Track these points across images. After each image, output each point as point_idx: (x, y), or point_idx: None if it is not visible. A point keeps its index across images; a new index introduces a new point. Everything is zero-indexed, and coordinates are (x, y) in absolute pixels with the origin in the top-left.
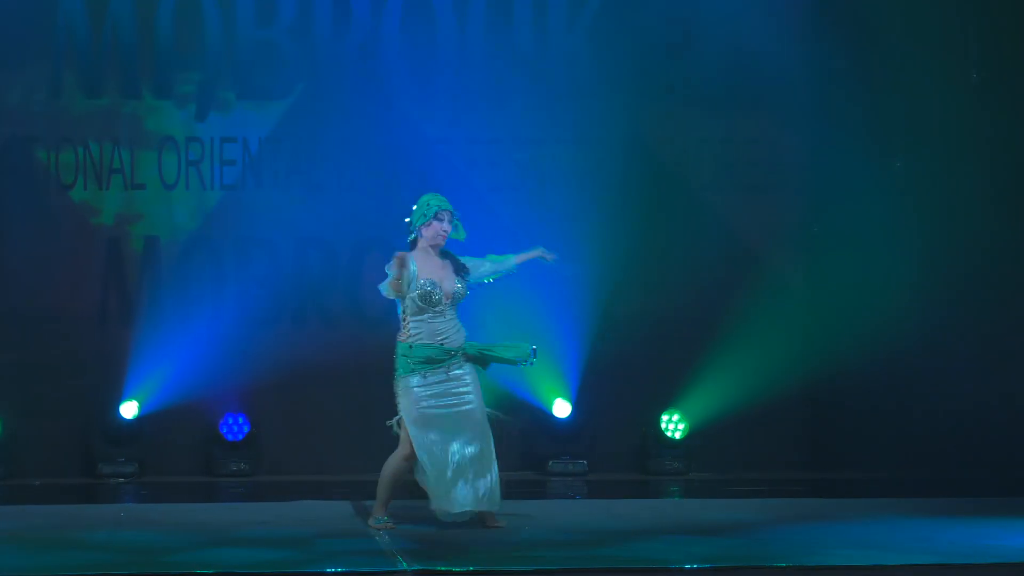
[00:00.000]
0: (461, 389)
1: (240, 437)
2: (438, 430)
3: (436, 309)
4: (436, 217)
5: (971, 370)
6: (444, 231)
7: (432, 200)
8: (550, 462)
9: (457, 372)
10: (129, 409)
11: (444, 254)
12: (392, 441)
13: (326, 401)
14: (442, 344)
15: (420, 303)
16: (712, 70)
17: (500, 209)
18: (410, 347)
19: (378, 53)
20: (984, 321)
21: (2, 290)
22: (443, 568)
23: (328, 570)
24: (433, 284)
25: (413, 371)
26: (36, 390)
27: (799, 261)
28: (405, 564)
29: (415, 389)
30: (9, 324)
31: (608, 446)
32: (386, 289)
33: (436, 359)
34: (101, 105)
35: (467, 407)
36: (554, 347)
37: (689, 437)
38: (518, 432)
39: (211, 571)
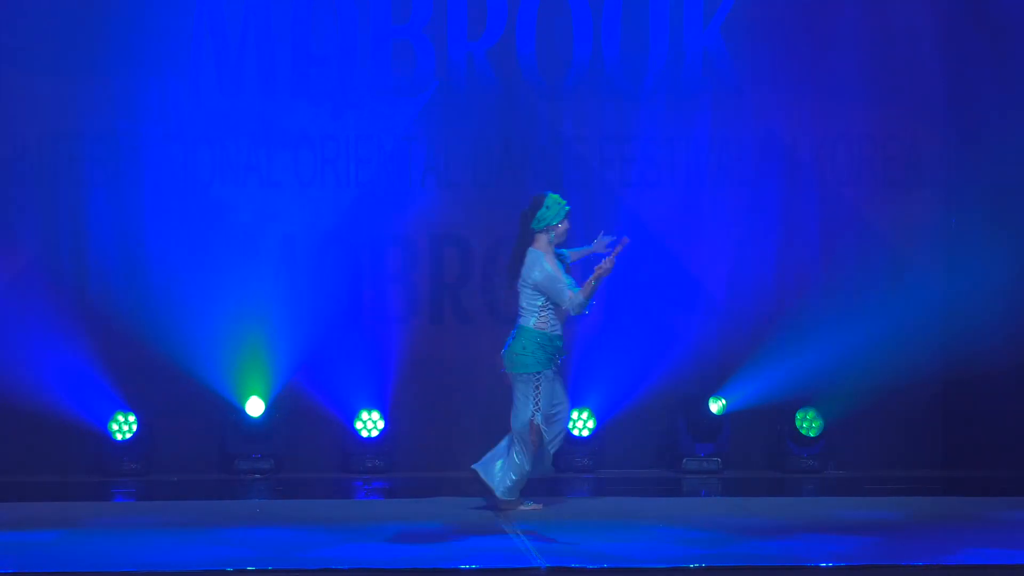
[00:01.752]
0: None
1: (375, 434)
2: (556, 423)
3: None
4: (568, 217)
5: None
6: (567, 231)
7: (561, 201)
8: (684, 459)
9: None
10: (255, 406)
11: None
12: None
13: (461, 398)
14: (561, 335)
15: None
16: (849, 65)
17: (632, 206)
18: (549, 338)
19: (512, 52)
20: None
21: (140, 288)
22: (577, 565)
23: (463, 566)
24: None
25: (549, 363)
26: (172, 387)
27: (938, 258)
28: (540, 561)
29: (547, 383)
30: (147, 321)
31: (743, 443)
32: (578, 303)
33: (561, 351)
34: (238, 102)
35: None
36: (685, 344)
37: (824, 434)
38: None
39: (347, 567)
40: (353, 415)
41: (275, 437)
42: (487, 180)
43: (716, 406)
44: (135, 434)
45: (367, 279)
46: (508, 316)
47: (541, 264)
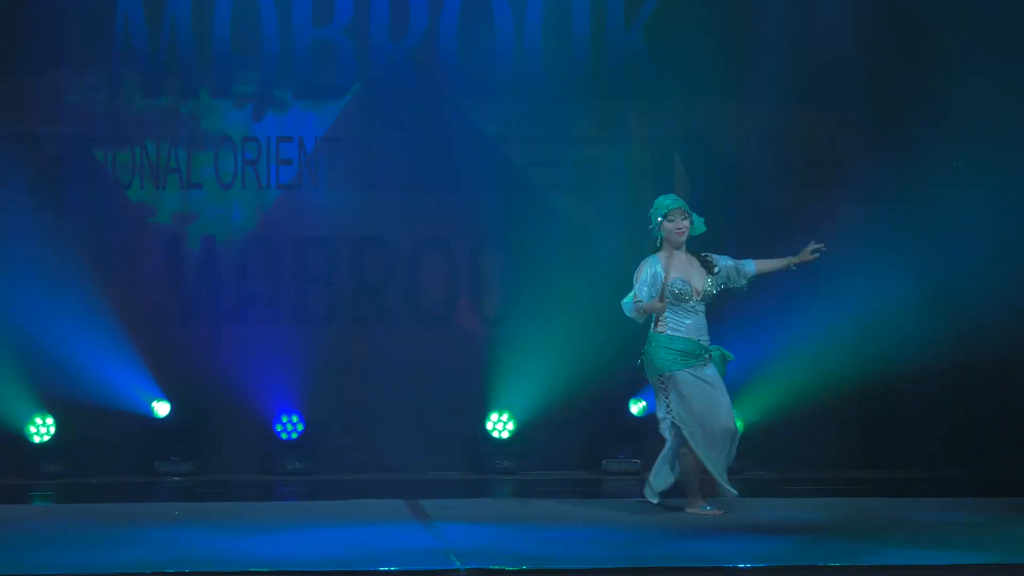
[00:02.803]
0: (718, 390)
1: (295, 436)
2: (708, 425)
3: (688, 305)
4: (667, 218)
5: None
6: (678, 229)
7: (663, 201)
8: (604, 461)
9: (710, 373)
10: (162, 408)
11: (691, 252)
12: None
13: (382, 400)
14: (699, 340)
15: (673, 300)
16: (770, 67)
17: (557, 207)
18: (671, 339)
19: (435, 52)
20: None
21: (60, 289)
22: (496, 567)
23: (382, 568)
24: (683, 282)
25: (678, 364)
26: (93, 389)
27: (857, 258)
28: (458, 563)
29: (685, 384)
30: (65, 322)
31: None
32: (632, 309)
33: (695, 354)
34: (159, 105)
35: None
36: (611, 347)
37: (743, 436)
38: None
39: (266, 569)
40: (274, 417)
41: (195, 439)
42: (410, 182)
43: (637, 407)
44: (53, 437)
45: (289, 281)
46: (430, 318)
47: (640, 268)
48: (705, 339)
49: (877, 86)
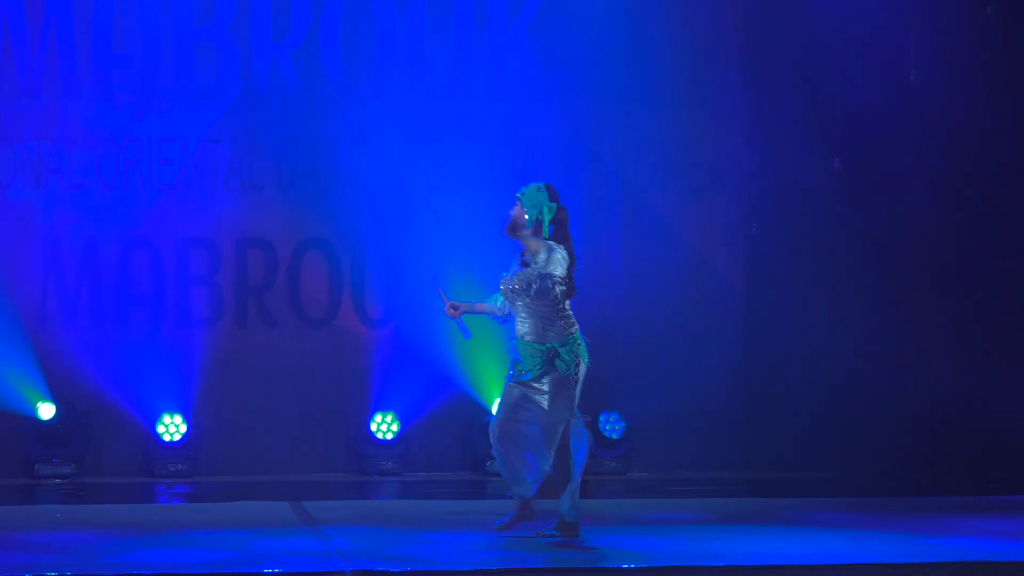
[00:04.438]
0: None
1: (178, 438)
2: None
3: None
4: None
5: (909, 371)
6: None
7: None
8: (488, 463)
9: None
10: (46, 410)
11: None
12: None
13: (265, 402)
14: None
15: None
16: (651, 70)
17: (438, 209)
18: (580, 334)
19: (316, 52)
20: (923, 322)
21: None
22: (380, 569)
23: (266, 570)
24: None
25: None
26: None
27: (739, 262)
28: (343, 564)
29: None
30: None
31: None
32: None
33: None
34: (39, 104)
35: None
36: (500, 346)
37: (627, 437)
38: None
39: (149, 572)
40: (155, 419)
41: (76, 441)
42: (291, 182)
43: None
44: None
45: (171, 282)
46: (312, 319)
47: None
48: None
49: (757, 88)
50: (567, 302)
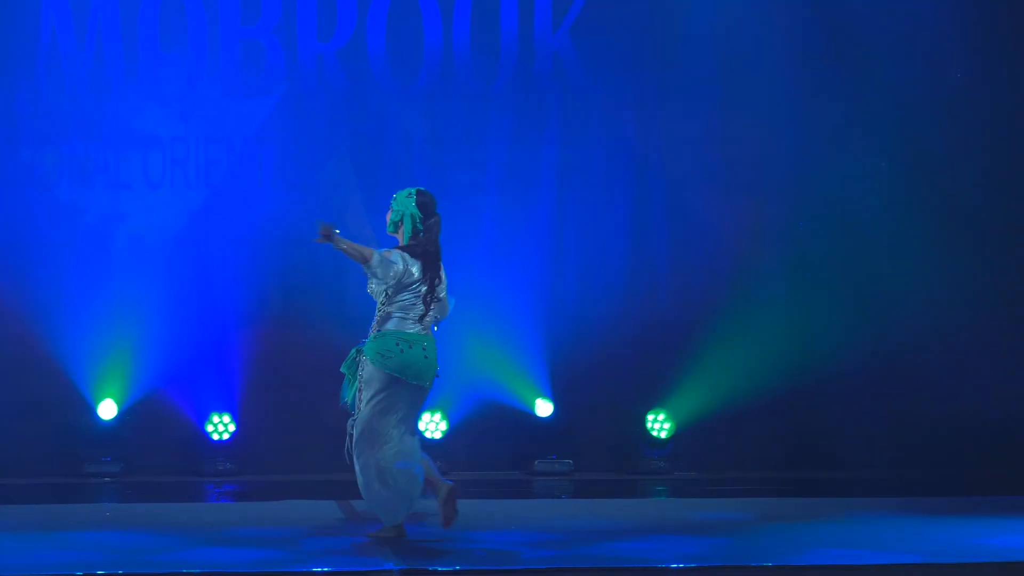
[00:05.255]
0: None
1: (225, 437)
2: None
3: None
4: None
5: (956, 369)
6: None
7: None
8: (536, 461)
9: None
10: (107, 409)
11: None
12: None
13: (311, 400)
14: None
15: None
16: (696, 69)
17: (484, 209)
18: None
19: (363, 53)
20: (969, 320)
21: None
22: (429, 568)
23: (314, 569)
24: None
25: None
26: (21, 390)
27: (782, 260)
28: (391, 563)
29: None
30: None
31: (594, 445)
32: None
33: None
34: (85, 104)
35: None
36: (537, 347)
37: (674, 437)
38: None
39: (197, 571)
40: (204, 418)
41: (124, 440)
42: (337, 182)
43: (544, 408)
44: None
45: (217, 281)
46: (356, 318)
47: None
48: None
49: (803, 87)
50: (392, 303)
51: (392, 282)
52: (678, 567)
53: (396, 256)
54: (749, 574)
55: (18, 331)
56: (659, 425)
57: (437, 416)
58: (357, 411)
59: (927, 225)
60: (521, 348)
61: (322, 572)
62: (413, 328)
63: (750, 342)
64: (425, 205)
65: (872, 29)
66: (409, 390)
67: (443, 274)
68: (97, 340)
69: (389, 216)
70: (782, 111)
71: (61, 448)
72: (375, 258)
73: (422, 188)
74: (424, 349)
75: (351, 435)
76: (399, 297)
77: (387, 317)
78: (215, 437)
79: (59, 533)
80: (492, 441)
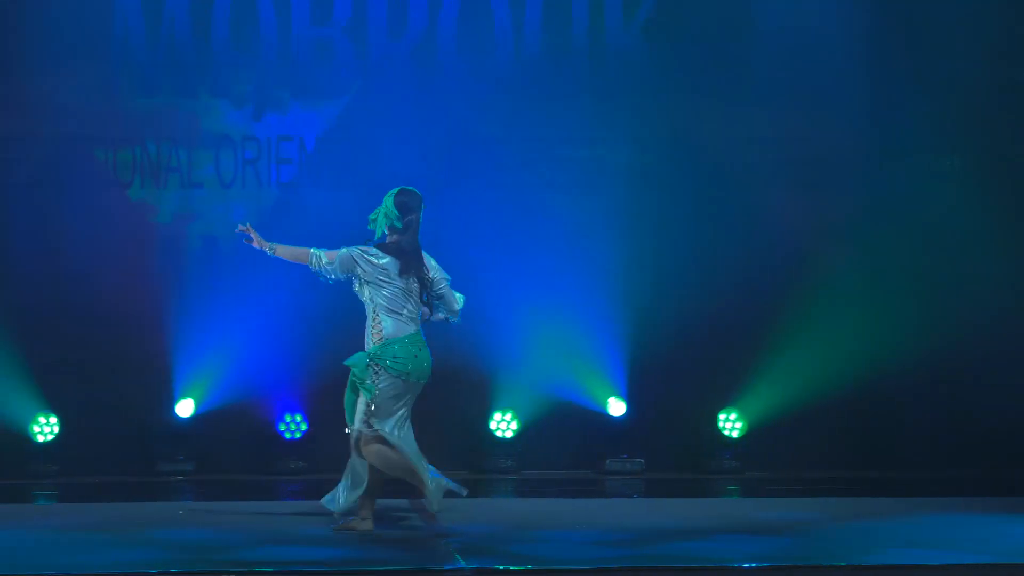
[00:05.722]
0: None
1: (298, 435)
2: None
3: None
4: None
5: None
6: None
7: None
8: (607, 460)
9: None
10: (185, 407)
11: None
12: (451, 439)
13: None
14: None
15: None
16: (765, 68)
17: (555, 209)
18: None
19: (434, 51)
20: None
21: (61, 289)
22: (501, 567)
23: (388, 567)
24: None
25: None
26: (94, 388)
27: (852, 259)
28: (463, 562)
29: None
30: (67, 323)
31: (665, 445)
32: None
33: None
34: (157, 104)
35: None
36: (609, 346)
37: (746, 436)
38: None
39: (271, 568)
40: (277, 417)
41: (197, 439)
42: (407, 182)
43: (617, 408)
44: (56, 436)
45: (289, 281)
46: (430, 318)
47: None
48: None
49: (873, 86)
50: (376, 302)
51: (344, 275)
52: (749, 567)
53: (347, 249)
54: (821, 574)
55: (92, 329)
56: (731, 424)
57: (508, 415)
58: (368, 411)
59: (997, 224)
60: (594, 347)
61: (393, 570)
62: (411, 327)
63: (820, 341)
64: (405, 204)
65: (943, 26)
66: (414, 389)
67: (439, 273)
68: (172, 339)
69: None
70: (853, 109)
71: (136, 447)
72: (313, 257)
73: (409, 187)
74: (425, 348)
75: (360, 432)
76: (381, 295)
77: (381, 319)
78: (287, 436)
79: (132, 532)
80: (563, 440)
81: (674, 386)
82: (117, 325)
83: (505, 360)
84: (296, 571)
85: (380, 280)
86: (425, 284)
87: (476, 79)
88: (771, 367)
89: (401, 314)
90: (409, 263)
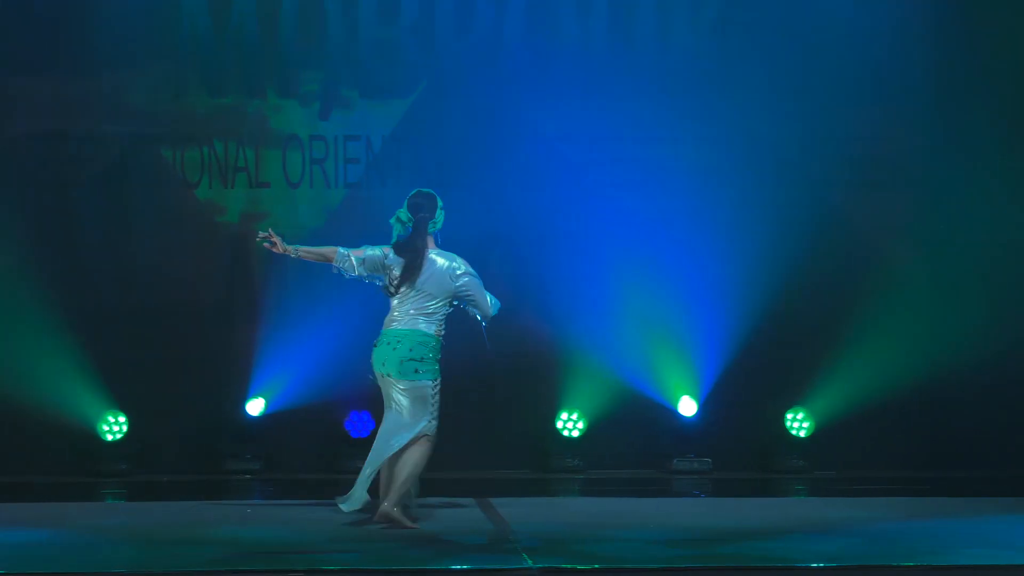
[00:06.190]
0: None
1: (365, 434)
2: None
3: None
4: None
5: None
6: None
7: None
8: (675, 460)
9: None
10: (255, 406)
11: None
12: (516, 439)
13: (451, 399)
14: None
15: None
16: (835, 67)
17: (621, 207)
18: (441, 345)
19: (500, 51)
20: None
21: (129, 288)
22: (568, 566)
23: (455, 567)
24: None
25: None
26: (162, 387)
27: (922, 258)
28: (531, 561)
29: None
30: (136, 322)
31: (732, 444)
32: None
33: None
34: (225, 104)
35: None
36: (675, 345)
37: (814, 435)
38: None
39: (338, 567)
40: (342, 415)
41: (265, 438)
42: (474, 181)
43: (688, 407)
44: (125, 434)
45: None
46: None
47: (467, 266)
48: None
49: (941, 84)
50: (399, 300)
51: (367, 272)
52: (818, 567)
53: (369, 248)
54: (891, 574)
55: (160, 328)
56: (798, 424)
57: (575, 415)
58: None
59: None
60: (661, 346)
61: (461, 570)
62: (430, 328)
63: (889, 340)
64: (416, 205)
65: (1006, 23)
66: (385, 385)
67: (463, 267)
68: (239, 338)
69: None
70: (922, 109)
71: (203, 445)
72: (338, 255)
73: (425, 189)
74: (383, 345)
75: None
76: (399, 294)
77: (414, 318)
78: (355, 434)
79: (199, 530)
80: (629, 440)
81: (741, 386)
82: (185, 324)
83: (572, 360)
84: (364, 571)
85: (393, 277)
86: (412, 282)
87: (542, 78)
88: (838, 366)
89: (420, 312)
90: (413, 264)
